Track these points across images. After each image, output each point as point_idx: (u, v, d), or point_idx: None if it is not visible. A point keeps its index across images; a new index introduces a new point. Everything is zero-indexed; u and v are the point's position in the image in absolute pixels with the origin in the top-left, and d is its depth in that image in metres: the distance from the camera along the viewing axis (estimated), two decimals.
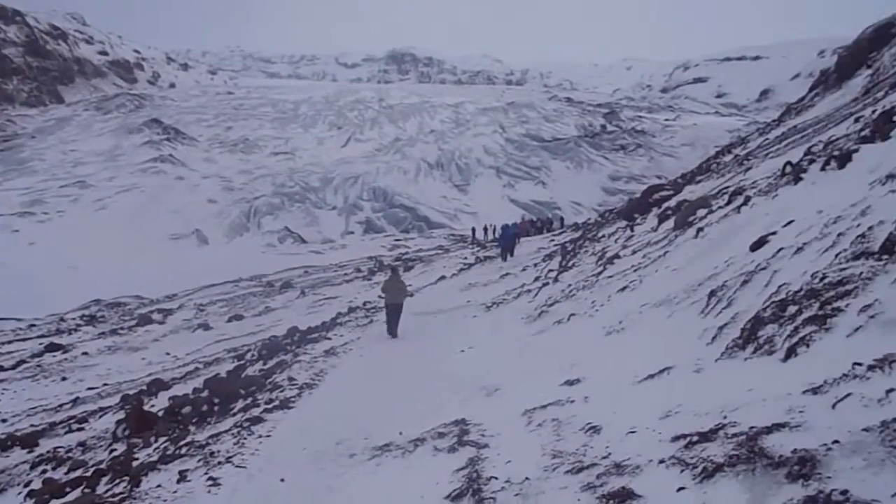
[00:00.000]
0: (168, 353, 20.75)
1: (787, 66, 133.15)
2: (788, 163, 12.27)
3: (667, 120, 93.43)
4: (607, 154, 76.45)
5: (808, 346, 4.91)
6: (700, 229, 11.97)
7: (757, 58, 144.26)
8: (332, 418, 8.63)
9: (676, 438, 4.32)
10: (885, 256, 5.30)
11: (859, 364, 4.05)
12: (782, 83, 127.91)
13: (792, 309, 5.54)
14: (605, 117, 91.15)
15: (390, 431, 7.29)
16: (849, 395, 3.76)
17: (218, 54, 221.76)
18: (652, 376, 6.09)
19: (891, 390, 3.59)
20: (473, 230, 47.02)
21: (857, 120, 15.08)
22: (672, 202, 19.32)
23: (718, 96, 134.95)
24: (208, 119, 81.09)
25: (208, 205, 55.97)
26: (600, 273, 14.24)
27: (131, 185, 58.54)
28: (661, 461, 4.10)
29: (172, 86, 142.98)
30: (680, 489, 3.73)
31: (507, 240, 30.42)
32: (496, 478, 4.98)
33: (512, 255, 30.32)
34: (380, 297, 17.56)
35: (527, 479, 4.76)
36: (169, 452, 8.83)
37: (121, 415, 12.63)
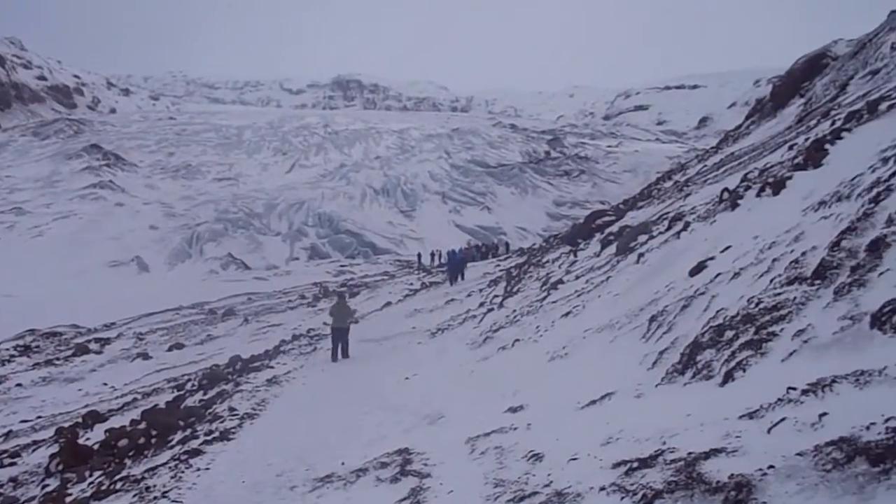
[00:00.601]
0: (105, 384, 20.12)
1: (725, 95, 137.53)
2: (726, 189, 12.58)
3: (609, 146, 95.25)
4: (551, 180, 77.47)
5: (744, 370, 4.98)
6: (641, 255, 12.14)
7: (696, 86, 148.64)
8: (273, 449, 8.44)
9: (617, 465, 4.31)
10: (818, 281, 5.42)
11: (793, 388, 4.11)
12: (720, 111, 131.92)
13: (729, 334, 5.63)
14: (549, 144, 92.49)
15: (332, 462, 7.15)
16: (783, 419, 3.80)
17: (160, 80, 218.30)
18: (594, 402, 6.10)
19: (823, 414, 3.65)
20: (419, 256, 47.01)
21: (790, 147, 15.54)
22: (614, 227, 19.61)
23: (659, 123, 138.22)
24: (150, 145, 79.75)
25: (149, 231, 54.83)
26: (544, 298, 14.32)
27: (69, 211, 57.02)
28: (602, 488, 4.08)
29: (113, 111, 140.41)
30: None
31: (455, 265, 30.48)
32: None
33: (463, 278, 30.46)
34: (325, 323, 17.33)
35: None
36: (104, 487, 8.54)
37: (54, 448, 12.16)
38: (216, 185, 68.15)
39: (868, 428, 3.36)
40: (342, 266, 54.10)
